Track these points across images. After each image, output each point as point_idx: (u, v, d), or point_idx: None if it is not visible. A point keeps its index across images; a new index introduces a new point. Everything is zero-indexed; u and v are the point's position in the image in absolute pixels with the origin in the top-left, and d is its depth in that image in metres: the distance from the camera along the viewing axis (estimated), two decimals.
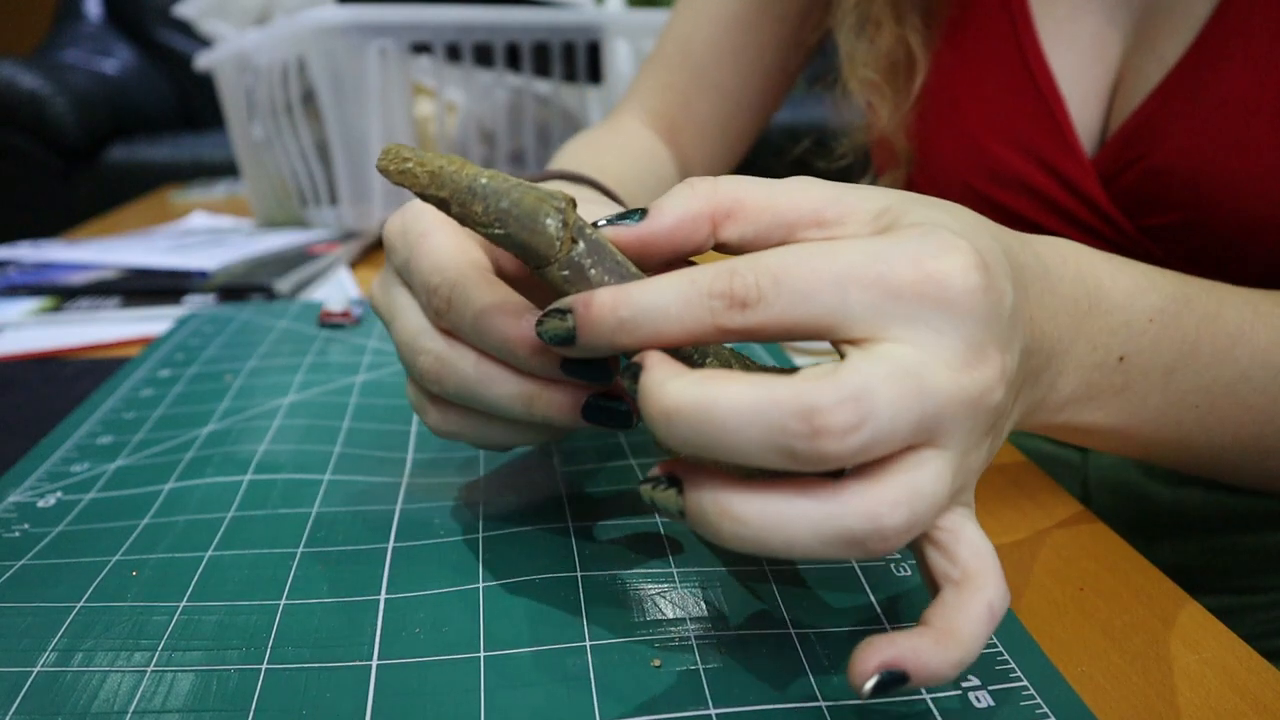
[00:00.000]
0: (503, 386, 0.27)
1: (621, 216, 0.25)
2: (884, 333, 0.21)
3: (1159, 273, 0.31)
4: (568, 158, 0.52)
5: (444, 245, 0.28)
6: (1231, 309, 0.32)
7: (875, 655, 0.21)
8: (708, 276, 0.21)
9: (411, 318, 0.29)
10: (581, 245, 0.24)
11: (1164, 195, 0.43)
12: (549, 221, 0.23)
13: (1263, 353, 0.32)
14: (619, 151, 0.54)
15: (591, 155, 0.52)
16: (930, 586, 0.23)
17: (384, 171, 0.24)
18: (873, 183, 0.56)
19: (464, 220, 0.24)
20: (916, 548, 0.24)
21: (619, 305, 0.22)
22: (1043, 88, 0.46)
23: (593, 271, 0.24)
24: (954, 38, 0.49)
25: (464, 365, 0.27)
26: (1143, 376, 0.30)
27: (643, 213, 0.24)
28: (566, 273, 0.24)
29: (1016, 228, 0.47)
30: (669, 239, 0.24)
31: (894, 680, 0.21)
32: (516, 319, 0.26)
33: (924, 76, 0.51)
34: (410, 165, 0.23)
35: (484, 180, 0.23)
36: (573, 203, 0.24)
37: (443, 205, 0.24)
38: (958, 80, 0.49)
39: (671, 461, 0.23)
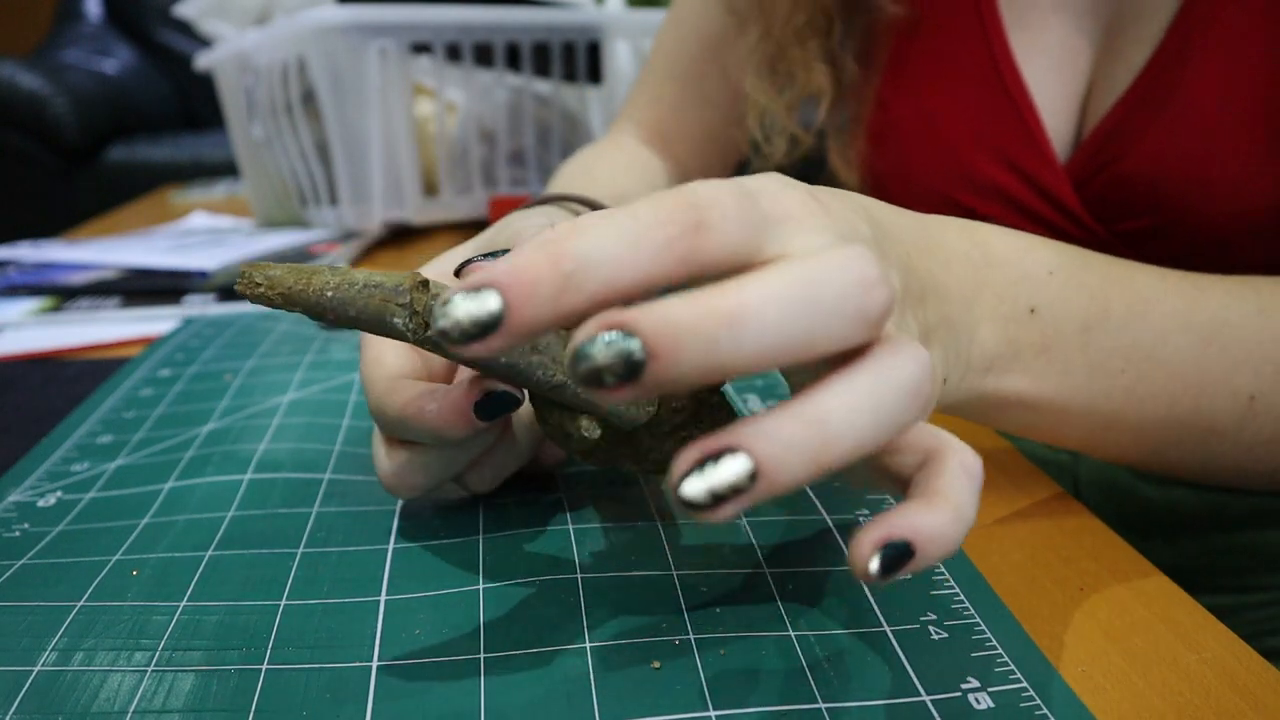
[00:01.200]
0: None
1: (487, 255, 0.26)
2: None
3: (1049, 241, 0.32)
4: (562, 179, 0.53)
5: (369, 359, 0.30)
6: (1137, 272, 0.32)
7: (870, 534, 0.19)
8: (645, 205, 0.19)
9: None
10: (434, 333, 0.25)
11: (1134, 200, 0.43)
12: (395, 321, 0.25)
13: (1179, 315, 0.31)
14: (611, 166, 0.55)
15: (584, 174, 0.53)
16: (901, 489, 0.23)
17: (242, 294, 0.25)
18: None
19: (323, 321, 0.25)
20: (878, 468, 0.23)
21: (559, 260, 0.18)
22: (1015, 97, 0.46)
23: (449, 345, 0.25)
24: (923, 52, 0.50)
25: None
26: (1057, 333, 0.30)
27: (503, 254, 0.25)
28: (428, 348, 0.26)
29: None
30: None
31: (899, 554, 0.19)
32: (420, 414, 0.28)
33: (864, 111, 0.52)
34: (263, 290, 0.25)
35: (329, 294, 0.25)
36: (423, 285, 0.25)
37: (308, 315, 0.25)
38: (932, 92, 0.49)
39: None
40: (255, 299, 0.25)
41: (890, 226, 0.27)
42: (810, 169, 0.55)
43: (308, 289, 0.25)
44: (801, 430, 0.18)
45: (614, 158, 0.57)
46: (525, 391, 0.28)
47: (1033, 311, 0.30)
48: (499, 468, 0.32)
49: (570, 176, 0.53)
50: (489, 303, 0.17)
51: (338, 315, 0.25)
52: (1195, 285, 0.33)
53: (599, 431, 0.27)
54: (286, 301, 0.25)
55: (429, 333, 0.25)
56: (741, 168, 0.62)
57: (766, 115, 0.53)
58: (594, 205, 0.44)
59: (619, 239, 0.18)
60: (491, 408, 0.28)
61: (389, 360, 0.30)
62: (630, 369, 0.17)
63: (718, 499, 0.18)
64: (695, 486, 0.18)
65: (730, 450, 0.18)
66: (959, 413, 0.31)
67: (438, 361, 0.32)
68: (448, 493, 0.34)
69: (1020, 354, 0.30)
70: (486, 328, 0.18)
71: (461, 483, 0.32)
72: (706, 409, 0.29)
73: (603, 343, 0.17)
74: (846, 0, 0.52)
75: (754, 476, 0.17)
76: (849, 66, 0.53)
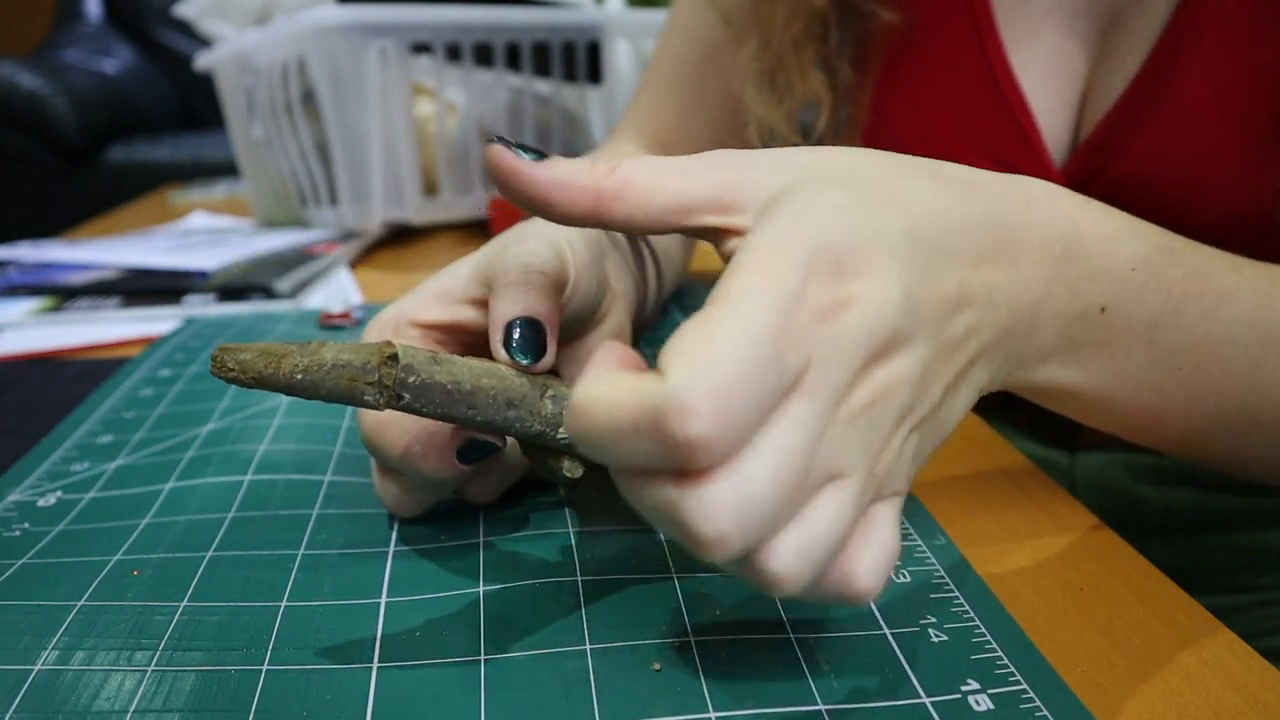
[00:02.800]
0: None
1: (526, 149, 0.25)
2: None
3: (1142, 223, 0.30)
4: None
5: (362, 419, 0.31)
6: (1219, 267, 0.31)
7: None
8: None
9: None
10: (406, 396, 0.27)
11: (1130, 204, 0.42)
12: (366, 399, 0.26)
13: (1248, 314, 0.31)
14: None
15: None
16: None
17: (214, 375, 0.26)
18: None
19: (296, 397, 0.26)
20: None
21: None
22: (1011, 102, 0.46)
23: (423, 410, 0.27)
24: (918, 58, 0.50)
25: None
26: (1126, 331, 0.29)
27: (540, 155, 0.25)
28: (401, 416, 0.27)
29: None
30: (543, 193, 0.24)
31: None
32: (406, 455, 0.29)
33: (860, 117, 0.52)
34: (235, 374, 0.26)
35: (299, 377, 0.26)
36: (391, 359, 0.26)
37: (282, 393, 0.26)
38: (928, 97, 0.49)
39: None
40: (229, 380, 0.26)
41: (944, 239, 0.24)
42: None
43: (278, 372, 0.26)
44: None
45: None
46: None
47: (1104, 310, 0.28)
48: (497, 482, 0.33)
49: None
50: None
51: (309, 394, 0.26)
52: (1272, 281, 0.32)
53: (581, 470, 0.29)
54: (259, 384, 0.26)
55: (397, 404, 0.26)
56: None
57: (766, 126, 0.53)
58: None
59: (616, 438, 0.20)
60: (473, 453, 0.29)
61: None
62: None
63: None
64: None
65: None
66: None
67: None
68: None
69: (1079, 350, 0.28)
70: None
71: (462, 495, 0.33)
72: None
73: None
74: (842, 7, 0.52)
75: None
76: (845, 73, 0.53)
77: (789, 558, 0.20)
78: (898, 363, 0.22)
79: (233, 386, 0.47)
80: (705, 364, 0.18)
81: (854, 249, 0.21)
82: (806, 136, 0.53)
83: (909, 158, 0.27)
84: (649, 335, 0.53)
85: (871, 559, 0.22)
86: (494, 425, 0.28)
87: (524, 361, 0.28)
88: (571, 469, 0.29)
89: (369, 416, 0.30)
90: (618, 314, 0.38)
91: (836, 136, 0.55)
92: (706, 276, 0.68)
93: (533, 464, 0.30)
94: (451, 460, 0.29)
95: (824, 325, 0.20)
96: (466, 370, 0.28)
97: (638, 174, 0.24)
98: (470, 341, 0.33)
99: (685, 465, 0.19)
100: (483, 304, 0.32)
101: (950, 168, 0.27)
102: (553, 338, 0.29)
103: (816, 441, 0.20)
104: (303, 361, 0.26)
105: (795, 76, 0.51)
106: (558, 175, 0.24)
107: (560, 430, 0.28)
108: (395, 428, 0.30)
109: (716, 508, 0.19)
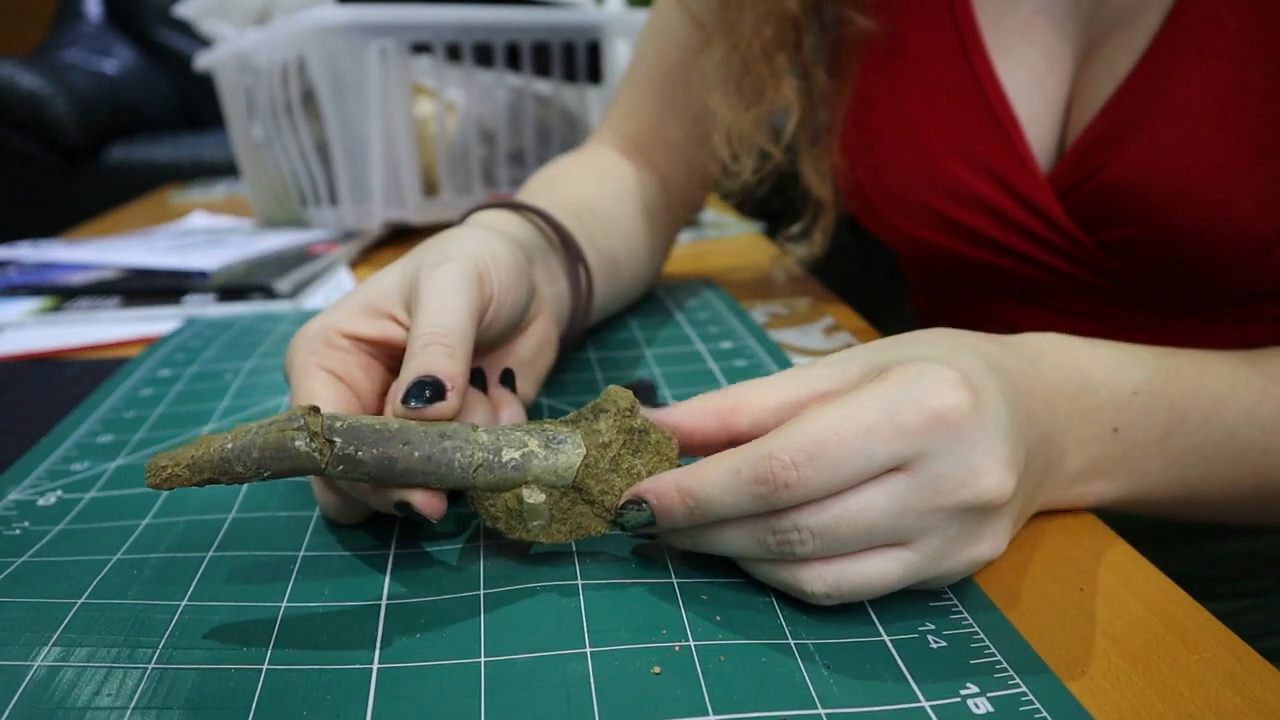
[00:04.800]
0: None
1: (653, 404, 0.32)
2: (898, 466, 0.25)
3: (1137, 349, 0.34)
4: (531, 187, 0.53)
5: (300, 403, 0.31)
6: (1213, 376, 0.35)
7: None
8: (750, 465, 0.25)
9: None
10: (339, 440, 0.27)
11: (1120, 209, 0.42)
12: (298, 445, 0.26)
13: (1246, 413, 0.35)
14: (580, 177, 0.54)
15: (549, 183, 0.53)
16: None
17: (156, 487, 0.26)
18: (812, 224, 0.57)
19: (238, 481, 0.26)
20: None
21: (685, 497, 0.27)
22: (995, 105, 0.45)
23: (359, 454, 0.27)
24: (900, 61, 0.49)
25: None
26: (1138, 445, 0.33)
27: (665, 405, 0.31)
28: (341, 468, 0.27)
29: (975, 246, 0.48)
30: (685, 430, 0.30)
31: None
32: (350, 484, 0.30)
33: (837, 123, 0.52)
34: (170, 469, 0.26)
35: (230, 445, 0.26)
36: (314, 410, 0.27)
37: (214, 482, 0.26)
38: (910, 101, 0.49)
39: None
40: (170, 483, 0.26)
41: (1012, 385, 0.29)
42: (783, 181, 0.55)
43: (209, 449, 0.26)
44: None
45: (586, 168, 0.56)
46: (446, 496, 0.29)
47: (1116, 431, 0.32)
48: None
49: (538, 186, 0.53)
50: (645, 514, 0.28)
51: (245, 464, 0.26)
52: (1264, 378, 0.35)
53: (542, 495, 0.28)
54: (194, 470, 0.26)
55: (333, 450, 0.27)
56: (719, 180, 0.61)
57: (733, 133, 0.52)
58: (545, 216, 0.44)
59: (725, 490, 0.26)
60: (409, 512, 0.29)
61: (320, 400, 0.31)
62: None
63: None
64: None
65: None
66: None
67: (368, 398, 0.33)
68: None
69: (1102, 467, 0.33)
70: (647, 524, 0.28)
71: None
72: (635, 435, 0.29)
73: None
74: (816, 11, 0.52)
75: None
76: (819, 78, 0.52)
77: (821, 584, 0.26)
78: (1011, 476, 0.26)
79: (232, 387, 0.47)
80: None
81: (978, 378, 0.26)
82: (777, 141, 0.53)
83: (931, 330, 0.31)
84: (602, 339, 0.53)
85: (834, 574, 0.26)
86: (434, 462, 0.28)
87: (416, 406, 0.29)
88: (532, 494, 0.28)
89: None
90: (544, 321, 0.39)
91: (812, 144, 0.55)
92: (669, 280, 0.68)
93: (497, 523, 0.29)
94: (390, 507, 0.29)
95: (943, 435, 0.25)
96: (389, 418, 0.28)
97: (744, 389, 0.30)
98: (398, 357, 0.33)
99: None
100: (404, 323, 0.33)
101: (969, 333, 0.31)
102: (454, 392, 0.29)
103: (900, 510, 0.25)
104: (230, 434, 0.26)
105: (766, 82, 0.51)
106: (685, 411, 0.30)
107: (505, 453, 0.28)
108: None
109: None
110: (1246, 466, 0.35)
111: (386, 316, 0.34)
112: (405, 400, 0.29)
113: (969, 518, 0.26)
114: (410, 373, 0.30)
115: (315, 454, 0.26)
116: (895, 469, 0.25)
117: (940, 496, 0.25)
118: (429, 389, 0.29)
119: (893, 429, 0.25)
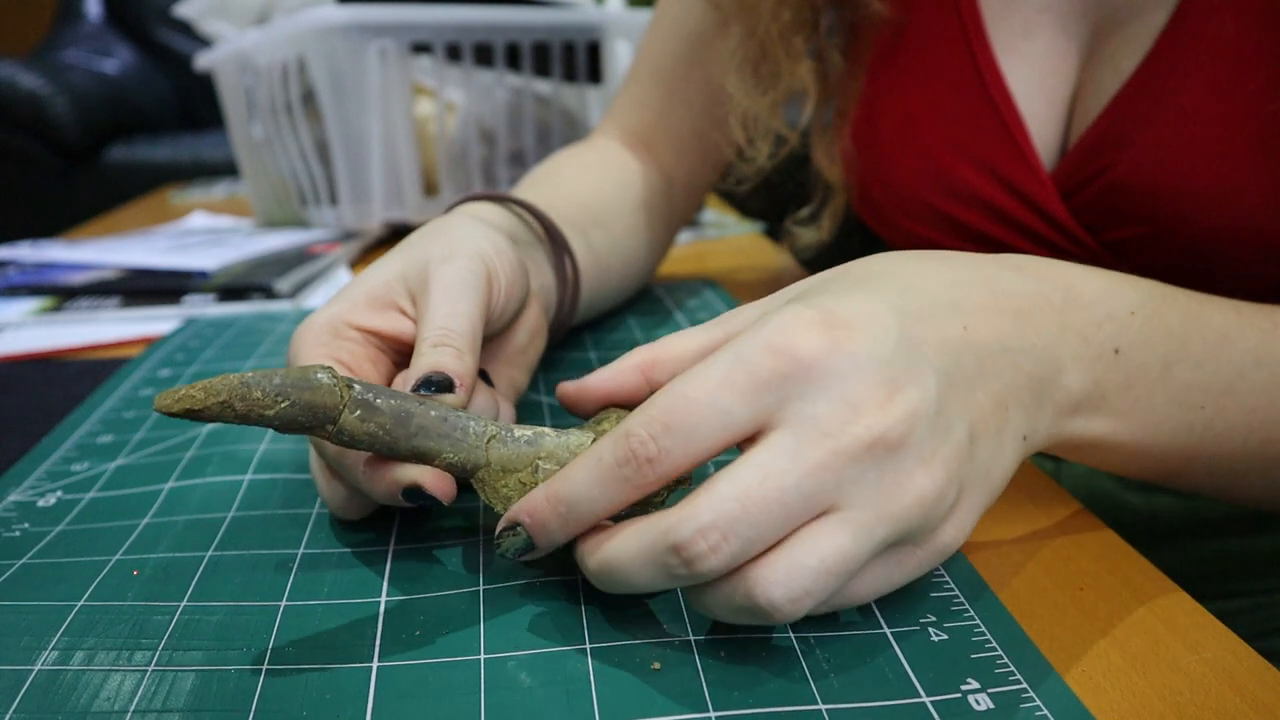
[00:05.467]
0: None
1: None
2: (769, 423, 0.23)
3: (1130, 277, 0.32)
4: (529, 180, 0.53)
5: None
6: (1213, 309, 0.32)
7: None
8: (610, 449, 0.24)
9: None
10: (358, 386, 0.27)
11: (1124, 209, 0.42)
12: (321, 376, 0.26)
13: (1254, 351, 0.32)
14: (580, 171, 0.54)
15: (549, 176, 0.52)
16: None
17: (165, 409, 0.25)
18: (820, 208, 0.56)
19: (248, 415, 0.25)
20: None
21: (556, 504, 0.25)
22: (999, 103, 0.45)
23: (378, 400, 0.27)
24: (905, 55, 0.49)
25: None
26: (1142, 371, 0.30)
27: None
28: (359, 412, 0.27)
29: (979, 246, 0.48)
30: (603, 389, 0.29)
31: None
32: (353, 469, 0.29)
33: (850, 107, 0.51)
34: (183, 391, 0.25)
35: (249, 375, 0.26)
36: (328, 368, 0.27)
37: (226, 409, 0.25)
38: (913, 97, 0.48)
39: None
40: (179, 402, 0.25)
41: (936, 301, 0.26)
42: (793, 165, 0.55)
43: (228, 379, 0.25)
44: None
45: (586, 162, 0.55)
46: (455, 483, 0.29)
47: (1117, 352, 0.30)
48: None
49: (535, 179, 0.52)
50: (521, 538, 0.26)
51: (264, 389, 0.25)
52: (1271, 319, 0.33)
53: (558, 468, 0.28)
54: (209, 392, 0.25)
55: (352, 393, 0.27)
56: (727, 171, 0.60)
57: (749, 117, 0.52)
58: (531, 210, 0.44)
59: (590, 482, 0.24)
60: (416, 497, 0.28)
61: None
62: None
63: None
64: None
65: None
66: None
67: (369, 375, 0.33)
68: None
69: (1106, 394, 0.30)
70: (526, 549, 0.26)
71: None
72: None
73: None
74: None
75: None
76: (835, 61, 0.52)
77: (778, 586, 0.23)
78: (901, 400, 0.23)
79: None
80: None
81: (844, 311, 0.24)
82: (792, 128, 0.53)
83: (898, 254, 0.30)
84: (602, 339, 0.53)
85: (785, 570, 0.23)
86: (449, 424, 0.28)
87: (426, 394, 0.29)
88: (549, 464, 0.28)
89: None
90: (534, 309, 0.39)
91: (824, 128, 0.54)
92: (669, 280, 0.68)
93: (492, 500, 0.28)
94: (396, 495, 0.28)
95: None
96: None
97: (664, 343, 0.29)
98: (405, 351, 0.34)
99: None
100: (410, 315, 0.33)
101: (945, 254, 0.29)
102: (464, 390, 0.30)
103: (796, 470, 0.23)
104: (249, 374, 0.26)
105: (782, 65, 0.50)
106: (606, 374, 0.29)
107: (518, 430, 0.28)
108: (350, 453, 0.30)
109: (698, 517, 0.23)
110: (1254, 417, 0.32)
111: (393, 308, 0.33)
112: (414, 391, 0.29)
113: (883, 455, 0.23)
114: (419, 370, 0.30)
115: (336, 389, 0.26)
116: (772, 427, 0.23)
117: (831, 439, 0.23)
118: (437, 383, 0.29)
119: (743, 379, 0.23)
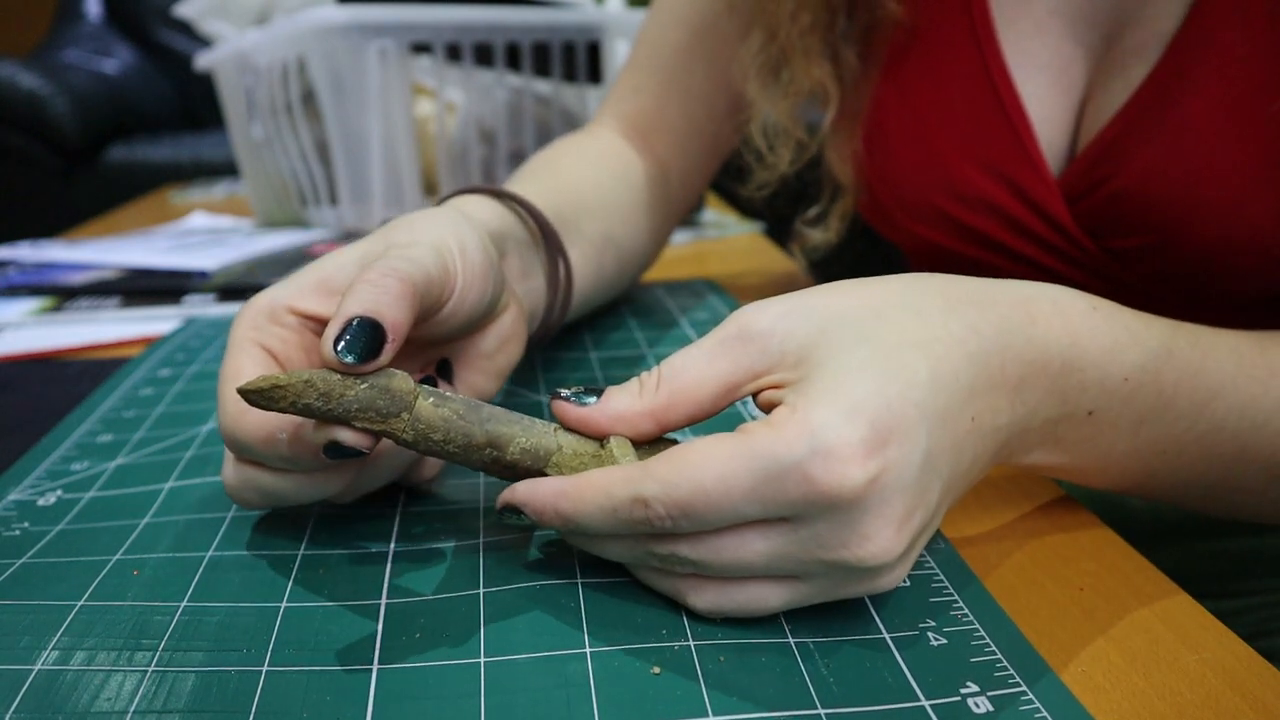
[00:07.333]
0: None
1: (586, 393, 0.29)
2: (778, 515, 0.24)
3: (1146, 324, 0.31)
4: (526, 170, 0.52)
5: (227, 374, 0.30)
6: (1215, 361, 0.32)
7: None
8: (625, 506, 0.25)
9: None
10: (424, 383, 0.28)
11: (1129, 218, 0.42)
12: (394, 369, 0.28)
13: (1240, 407, 0.32)
14: (578, 161, 0.53)
15: (547, 166, 0.52)
16: None
17: (252, 391, 0.26)
18: (828, 208, 0.56)
19: (329, 394, 0.26)
20: None
21: (563, 521, 0.27)
22: (1008, 107, 0.45)
23: (447, 391, 0.29)
24: (915, 58, 0.49)
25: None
26: (1111, 429, 0.30)
27: (596, 394, 0.29)
28: (433, 398, 0.28)
29: (982, 249, 0.47)
30: (608, 427, 0.28)
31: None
32: (270, 441, 0.28)
33: (863, 108, 0.51)
34: (275, 378, 0.26)
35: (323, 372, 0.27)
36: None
37: (309, 388, 0.26)
38: (923, 98, 0.48)
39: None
40: (271, 394, 0.26)
41: (956, 388, 0.26)
42: (803, 167, 0.55)
43: (310, 371, 0.27)
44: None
45: (584, 152, 0.55)
46: (372, 442, 0.28)
47: (1090, 414, 0.30)
48: (359, 487, 0.32)
49: (532, 169, 0.51)
50: (523, 520, 0.28)
51: (342, 375, 0.27)
52: (1270, 371, 0.32)
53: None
54: (291, 375, 0.26)
55: (421, 381, 0.28)
56: (727, 164, 0.60)
57: (769, 123, 0.52)
58: (528, 206, 0.43)
59: (599, 521, 0.26)
60: (339, 453, 0.28)
61: (247, 377, 0.29)
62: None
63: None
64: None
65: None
66: None
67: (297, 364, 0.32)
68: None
69: (1063, 442, 0.30)
70: (530, 527, 0.29)
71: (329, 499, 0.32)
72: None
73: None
74: None
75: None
76: (851, 62, 0.52)
77: (702, 601, 0.26)
78: (908, 529, 0.25)
79: None
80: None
81: (883, 422, 0.24)
82: (813, 133, 0.53)
83: (916, 281, 0.29)
84: (602, 339, 0.53)
85: (713, 595, 0.26)
86: (514, 414, 0.29)
87: (348, 360, 0.27)
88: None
89: (230, 404, 0.29)
90: (511, 315, 0.37)
91: (836, 128, 0.54)
92: (669, 280, 0.68)
93: (520, 454, 0.28)
94: (318, 453, 0.28)
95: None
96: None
97: (678, 378, 0.28)
98: None
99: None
100: None
101: (960, 287, 0.29)
102: (392, 345, 0.27)
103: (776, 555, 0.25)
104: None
105: (800, 68, 0.50)
106: (618, 412, 0.28)
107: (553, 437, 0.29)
108: (255, 414, 0.28)
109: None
110: (1219, 461, 0.33)
111: (341, 294, 0.31)
112: (336, 344, 0.27)
113: (852, 569, 0.25)
114: (352, 304, 0.27)
115: (409, 377, 0.28)
116: (779, 521, 0.25)
117: (821, 551, 0.24)
118: (360, 333, 0.27)
119: (769, 497, 0.24)
